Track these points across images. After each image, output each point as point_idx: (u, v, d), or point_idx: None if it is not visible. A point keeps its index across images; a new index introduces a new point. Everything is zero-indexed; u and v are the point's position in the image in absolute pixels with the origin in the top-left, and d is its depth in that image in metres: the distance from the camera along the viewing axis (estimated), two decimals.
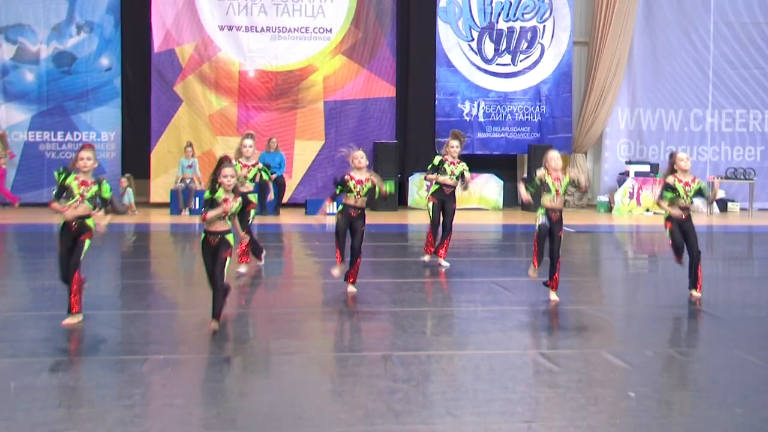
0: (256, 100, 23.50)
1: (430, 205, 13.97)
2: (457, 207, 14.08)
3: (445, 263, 13.72)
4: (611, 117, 24.85)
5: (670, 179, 11.35)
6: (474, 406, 7.05)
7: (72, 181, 9.62)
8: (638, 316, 10.80)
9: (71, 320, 9.52)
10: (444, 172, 13.83)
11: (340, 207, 11.76)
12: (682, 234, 11.30)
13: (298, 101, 23.59)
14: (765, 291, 11.14)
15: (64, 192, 9.66)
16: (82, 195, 9.61)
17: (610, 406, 7.25)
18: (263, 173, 13.34)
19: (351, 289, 11.54)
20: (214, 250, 9.42)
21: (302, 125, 23.68)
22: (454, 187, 13.97)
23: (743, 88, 24.96)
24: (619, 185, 23.96)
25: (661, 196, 11.49)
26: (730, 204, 24.27)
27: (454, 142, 13.88)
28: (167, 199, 21.98)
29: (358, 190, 11.52)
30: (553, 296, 11.09)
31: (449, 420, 6.71)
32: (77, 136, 23.03)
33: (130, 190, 21.89)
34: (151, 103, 23.00)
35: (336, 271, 11.66)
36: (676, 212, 11.18)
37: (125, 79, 23.18)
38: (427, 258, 13.96)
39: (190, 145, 22.25)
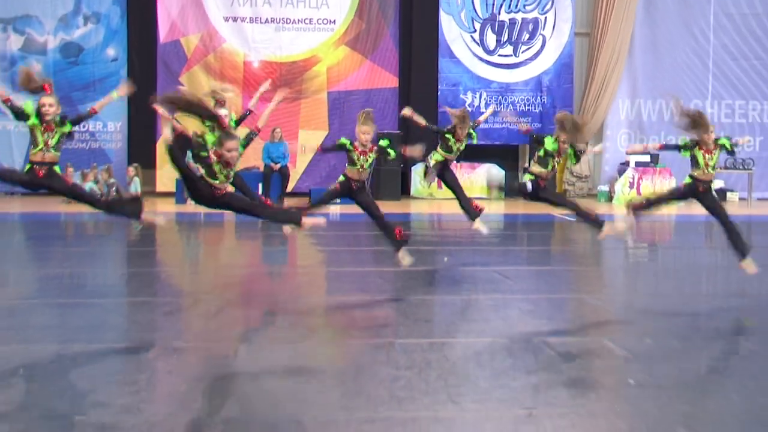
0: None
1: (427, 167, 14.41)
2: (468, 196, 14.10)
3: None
4: (612, 107, 24.87)
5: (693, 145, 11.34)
6: (475, 393, 7.04)
7: (35, 124, 9.57)
8: (638, 304, 10.79)
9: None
10: (449, 150, 14.07)
11: (341, 177, 11.74)
12: (707, 209, 11.29)
13: (302, 92, 23.64)
14: (765, 281, 11.12)
15: (18, 113, 9.65)
16: (46, 142, 9.57)
17: (610, 392, 7.25)
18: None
19: (406, 260, 11.71)
20: (226, 198, 9.63)
21: (306, 115, 23.72)
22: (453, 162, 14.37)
23: (743, 79, 24.99)
24: (620, 175, 23.97)
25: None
26: (729, 194, 24.29)
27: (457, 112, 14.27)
28: (173, 189, 22.00)
29: (361, 162, 11.43)
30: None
31: (451, 407, 6.71)
32: (84, 126, 22.97)
33: (137, 180, 21.95)
34: (157, 94, 22.96)
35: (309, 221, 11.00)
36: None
37: (131, 70, 23.23)
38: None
39: (195, 134, 22.18)
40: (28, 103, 9.82)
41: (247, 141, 9.86)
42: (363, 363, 8.12)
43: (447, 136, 14.28)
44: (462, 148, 14.45)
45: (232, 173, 9.54)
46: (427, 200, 23.49)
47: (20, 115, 9.80)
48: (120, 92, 10.70)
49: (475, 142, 14.60)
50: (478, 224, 13.76)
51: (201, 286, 11.56)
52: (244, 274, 12.15)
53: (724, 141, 11.29)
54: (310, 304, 10.69)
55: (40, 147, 9.48)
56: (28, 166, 9.71)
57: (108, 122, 23.22)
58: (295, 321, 9.77)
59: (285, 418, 6.44)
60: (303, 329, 9.26)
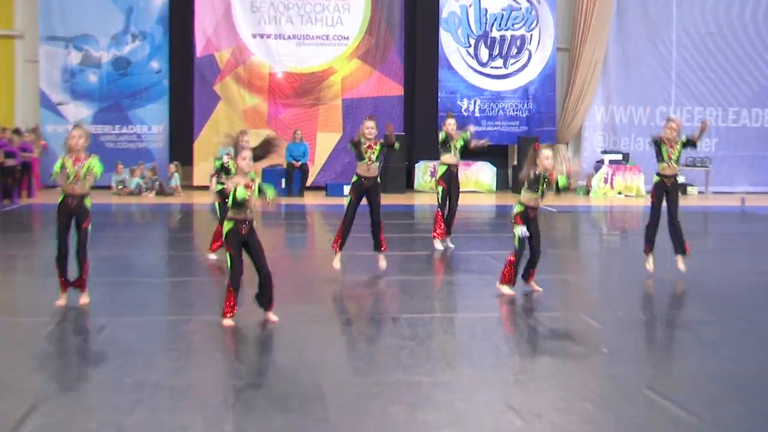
0: (283, 97, 23.51)
1: (440, 189, 13.06)
2: (463, 190, 13.53)
3: (451, 244, 12.98)
4: (589, 112, 24.81)
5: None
6: (470, 360, 7.06)
7: (66, 161, 8.67)
8: (611, 283, 10.79)
9: (85, 299, 8.80)
10: (449, 150, 12.93)
11: (354, 179, 11.07)
12: (666, 202, 10.91)
13: (319, 99, 23.61)
14: (719, 261, 11.14)
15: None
16: (77, 172, 8.64)
17: (585, 359, 7.26)
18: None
19: (382, 262, 10.94)
20: (247, 239, 8.20)
21: (323, 119, 23.70)
22: (458, 167, 13.23)
23: (701, 88, 25.00)
24: (596, 171, 23.95)
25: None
26: (689, 188, 24.23)
27: (450, 120, 13.08)
28: (208, 183, 21.97)
29: (369, 155, 10.92)
30: (535, 286, 9.74)
31: (449, 372, 6.73)
32: (131, 129, 23.15)
33: (177, 175, 21.98)
34: (194, 101, 23.04)
35: (336, 263, 10.75)
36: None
37: (172, 80, 23.24)
38: (441, 245, 12.89)
39: (227, 136, 22.23)
40: (58, 163, 8.78)
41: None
42: (373, 334, 8.14)
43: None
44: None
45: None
46: (428, 193, 23.48)
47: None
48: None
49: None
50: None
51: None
52: (269, 256, 12.13)
53: (684, 138, 11.16)
54: (326, 283, 10.71)
55: (70, 179, 8.62)
56: (60, 198, 8.73)
57: (152, 125, 23.24)
58: (313, 297, 9.79)
59: (306, 381, 6.46)
60: (320, 305, 9.27)
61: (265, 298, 8.20)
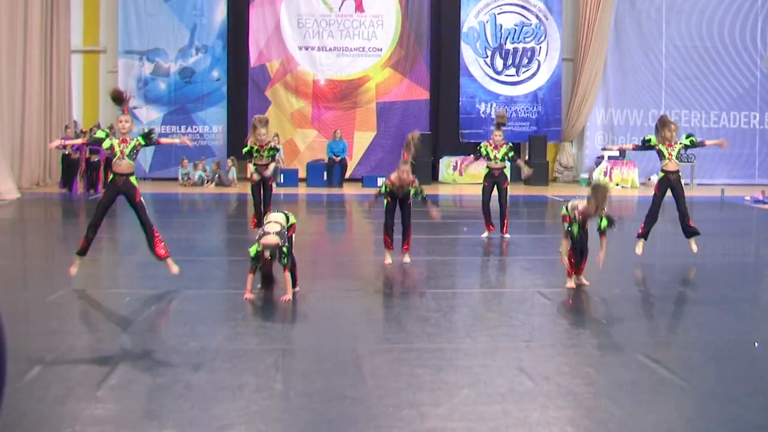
0: (325, 101, 23.57)
1: (482, 187, 12.53)
2: (481, 182, 12.61)
3: (507, 236, 12.27)
4: (591, 115, 24.71)
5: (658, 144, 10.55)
6: (487, 330, 7.05)
7: (114, 141, 8.67)
8: (609, 263, 10.72)
9: (173, 268, 8.79)
10: (489, 158, 12.39)
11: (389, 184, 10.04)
12: (674, 194, 10.57)
13: (356, 102, 23.65)
14: (701, 245, 11.03)
15: (93, 143, 8.84)
16: (122, 152, 8.62)
17: (587, 329, 7.24)
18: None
19: (406, 259, 10.12)
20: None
21: (360, 120, 23.72)
22: (502, 169, 12.48)
23: (686, 94, 24.95)
24: (596, 165, 23.85)
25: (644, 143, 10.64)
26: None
27: (498, 132, 12.42)
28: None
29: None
30: (583, 280, 8.81)
31: (468, 340, 6.72)
32: (195, 129, 23.33)
33: (233, 169, 22.08)
34: (248, 104, 23.15)
35: (388, 260, 10.04)
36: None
37: (230, 87, 23.38)
38: (485, 235, 12.35)
39: (276, 135, 22.32)
40: (99, 132, 9.03)
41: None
42: (402, 307, 8.14)
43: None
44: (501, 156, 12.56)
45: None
46: (451, 184, 23.44)
47: (98, 142, 8.96)
48: (183, 141, 9.67)
49: None
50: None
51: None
52: (312, 239, 12.20)
53: (686, 140, 10.73)
54: (362, 262, 10.72)
55: (117, 156, 8.61)
56: (111, 177, 8.75)
57: (213, 126, 23.35)
58: (351, 274, 9.80)
59: (343, 347, 6.48)
60: (356, 281, 9.28)
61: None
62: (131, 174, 8.77)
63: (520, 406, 5.13)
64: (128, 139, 8.75)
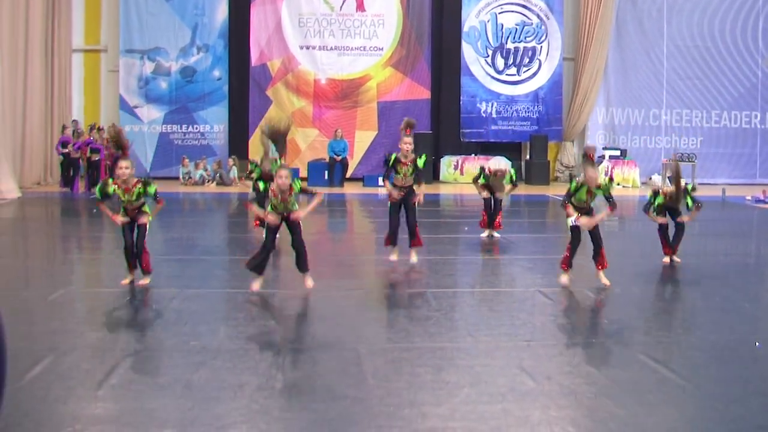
0: (326, 101, 23.55)
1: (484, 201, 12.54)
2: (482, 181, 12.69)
3: (497, 234, 12.38)
4: (591, 114, 24.69)
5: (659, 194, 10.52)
6: (487, 329, 7.04)
7: (118, 190, 8.43)
8: (610, 262, 10.70)
9: (145, 280, 8.63)
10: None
11: (390, 186, 10.07)
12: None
13: (357, 102, 23.63)
14: (703, 244, 11.03)
15: (107, 197, 8.48)
16: (128, 202, 8.49)
17: (588, 328, 7.23)
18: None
19: (413, 257, 10.09)
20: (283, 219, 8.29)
21: (361, 120, 23.71)
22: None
23: (688, 93, 24.94)
24: (597, 165, 23.82)
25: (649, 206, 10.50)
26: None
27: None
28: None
29: (403, 171, 9.92)
30: (603, 279, 8.84)
31: (469, 339, 6.71)
32: (196, 128, 23.34)
33: (234, 168, 22.08)
34: (249, 104, 23.16)
35: (394, 257, 10.10)
36: (661, 220, 10.15)
37: (231, 86, 23.38)
38: (485, 234, 12.41)
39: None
40: (109, 186, 8.46)
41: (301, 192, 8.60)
42: (403, 306, 8.14)
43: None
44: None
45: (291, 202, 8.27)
46: (452, 184, 23.43)
47: (105, 194, 8.47)
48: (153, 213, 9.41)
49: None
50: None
51: (282, 247, 11.60)
52: (314, 238, 12.19)
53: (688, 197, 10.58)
54: (363, 261, 10.71)
55: (124, 203, 8.43)
56: (122, 209, 8.53)
57: (214, 125, 23.35)
58: (352, 274, 9.80)
59: (345, 347, 6.47)
60: (357, 281, 9.28)
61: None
62: (142, 205, 8.71)
63: (521, 405, 5.12)
64: (130, 187, 8.50)
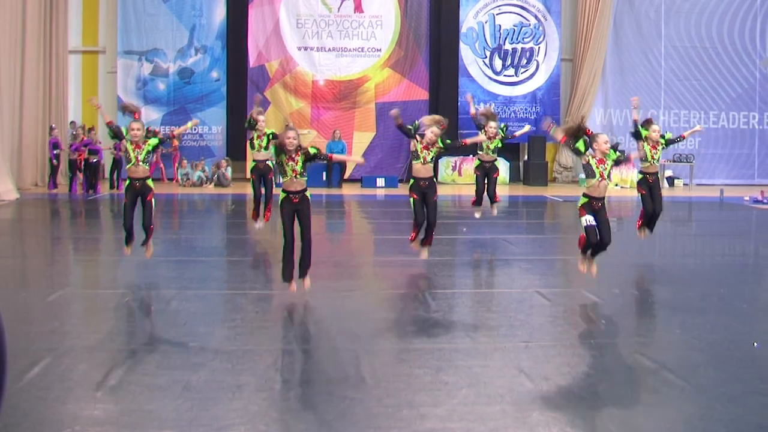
0: (324, 102, 23.54)
1: (476, 176, 12.62)
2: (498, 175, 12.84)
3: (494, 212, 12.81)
4: (590, 115, 24.67)
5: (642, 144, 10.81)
6: (486, 330, 7.05)
7: (129, 146, 9.20)
8: (609, 263, 10.72)
9: (150, 249, 9.40)
10: (482, 149, 12.43)
11: (411, 181, 9.90)
12: (650, 192, 10.81)
13: (356, 103, 23.62)
14: (700, 244, 11.04)
15: (119, 134, 9.31)
16: (137, 158, 9.16)
17: (587, 329, 7.23)
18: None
19: (425, 254, 10.02)
20: (294, 209, 8.09)
21: (359, 121, 23.70)
22: (493, 161, 12.53)
23: (686, 94, 24.97)
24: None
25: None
26: (676, 180, 24.20)
27: (492, 123, 12.31)
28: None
29: (424, 155, 9.69)
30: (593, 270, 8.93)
31: (467, 340, 6.72)
32: (194, 129, 23.21)
33: (229, 168, 22.11)
34: (248, 105, 23.09)
35: (414, 245, 9.98)
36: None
37: (229, 87, 23.35)
38: (477, 215, 12.78)
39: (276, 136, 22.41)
40: (124, 128, 9.39)
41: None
42: (401, 307, 8.14)
43: (479, 133, 12.35)
44: (493, 147, 12.51)
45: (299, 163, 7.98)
46: (450, 185, 23.43)
47: (118, 134, 9.37)
48: (192, 123, 10.31)
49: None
50: (494, 209, 12.81)
51: (280, 249, 11.60)
52: (312, 239, 12.14)
53: (667, 136, 11.13)
54: (362, 262, 10.72)
55: (132, 162, 9.13)
56: (127, 182, 9.24)
57: (212, 126, 23.32)
58: (350, 275, 9.80)
59: (342, 347, 6.48)
60: (356, 281, 9.29)
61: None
62: (147, 178, 9.27)
63: (519, 406, 5.13)
64: (141, 144, 9.20)
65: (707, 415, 5.05)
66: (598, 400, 5.26)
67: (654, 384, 5.60)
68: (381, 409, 5.06)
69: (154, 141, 9.33)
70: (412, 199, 9.77)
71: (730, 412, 5.09)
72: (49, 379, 5.48)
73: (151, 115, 23.08)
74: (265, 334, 6.91)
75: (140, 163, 9.18)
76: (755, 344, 6.62)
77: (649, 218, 10.97)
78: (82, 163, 19.92)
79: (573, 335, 6.98)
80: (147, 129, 9.60)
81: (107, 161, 21.15)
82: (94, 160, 19.83)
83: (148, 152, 9.26)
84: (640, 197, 11.04)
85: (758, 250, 13.02)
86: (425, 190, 9.74)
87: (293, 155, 7.91)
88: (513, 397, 5.27)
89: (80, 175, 19.92)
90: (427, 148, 9.68)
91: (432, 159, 9.75)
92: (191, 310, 7.64)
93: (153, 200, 9.30)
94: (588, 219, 8.54)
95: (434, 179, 9.93)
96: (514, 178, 23.97)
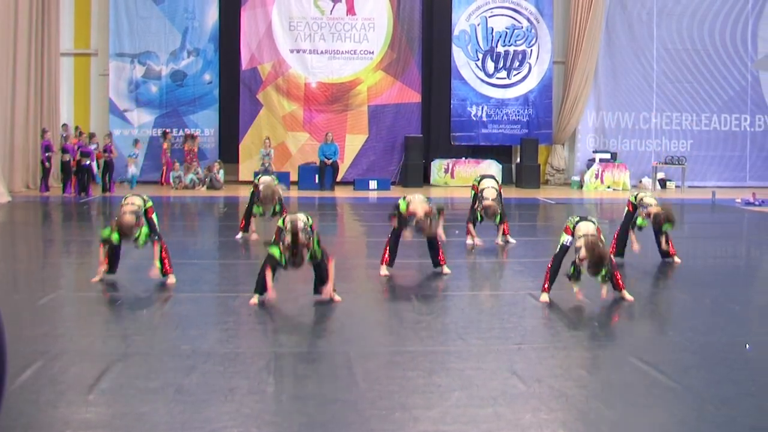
0: (317, 104, 23.53)
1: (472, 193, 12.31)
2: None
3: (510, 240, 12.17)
4: (582, 117, 24.72)
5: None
6: (478, 333, 7.05)
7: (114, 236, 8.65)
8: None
9: (171, 279, 8.89)
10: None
11: (399, 214, 9.68)
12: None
13: (348, 105, 23.62)
14: (692, 246, 11.07)
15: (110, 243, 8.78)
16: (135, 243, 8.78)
17: (579, 331, 7.24)
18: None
19: (446, 270, 9.74)
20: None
21: (351, 123, 23.70)
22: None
23: (678, 97, 25.02)
24: (588, 168, 23.90)
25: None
26: (668, 182, 24.29)
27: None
28: (251, 178, 22.07)
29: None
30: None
31: (460, 343, 6.72)
32: (187, 132, 23.20)
33: (221, 171, 22.09)
34: (240, 107, 23.12)
35: (383, 271, 9.57)
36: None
37: (221, 90, 23.35)
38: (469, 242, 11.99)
39: (267, 138, 22.41)
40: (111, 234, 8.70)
41: None
42: (394, 310, 8.13)
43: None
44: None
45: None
46: (443, 187, 23.44)
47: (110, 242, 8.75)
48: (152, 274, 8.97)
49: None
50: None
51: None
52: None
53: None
54: (354, 265, 10.71)
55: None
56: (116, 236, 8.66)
57: (204, 128, 23.28)
58: (343, 277, 9.78)
59: (335, 350, 6.47)
60: (348, 284, 9.28)
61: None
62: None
63: (512, 408, 5.13)
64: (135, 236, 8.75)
65: (700, 417, 5.06)
66: (590, 402, 5.27)
67: (646, 386, 5.61)
68: (374, 411, 5.05)
69: (145, 230, 8.81)
70: (393, 228, 9.64)
71: (723, 414, 5.10)
72: (40, 383, 5.46)
73: (143, 117, 23.07)
74: (258, 336, 6.90)
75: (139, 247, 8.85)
76: (747, 346, 6.64)
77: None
78: (75, 165, 19.87)
79: (566, 337, 6.99)
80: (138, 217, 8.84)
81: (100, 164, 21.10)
82: (87, 163, 19.78)
83: (145, 241, 8.82)
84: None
85: (750, 252, 13.06)
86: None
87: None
88: (506, 400, 5.27)
89: (74, 178, 19.88)
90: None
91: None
92: (183, 313, 7.63)
93: (154, 217, 9.03)
94: (568, 239, 8.38)
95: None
96: (506, 180, 23.96)
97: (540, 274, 9.70)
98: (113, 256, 8.95)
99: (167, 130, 22.73)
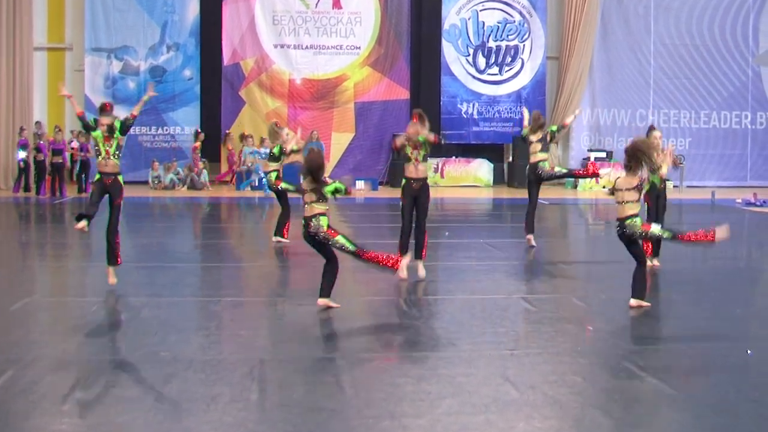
0: (302, 101, 23.54)
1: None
2: (463, 184, 12.50)
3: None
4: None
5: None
6: (469, 338, 7.05)
7: (98, 136, 9.06)
8: (596, 268, 10.76)
9: (114, 277, 8.83)
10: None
11: (403, 182, 9.83)
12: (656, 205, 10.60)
13: (334, 102, 23.64)
14: (691, 248, 11.08)
15: (86, 124, 9.38)
16: (107, 151, 8.97)
17: (573, 337, 7.25)
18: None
19: (421, 271, 9.68)
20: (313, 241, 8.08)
21: (338, 121, 23.72)
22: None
23: (676, 93, 25.10)
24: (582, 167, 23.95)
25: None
26: (666, 182, 24.32)
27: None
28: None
29: (414, 156, 9.61)
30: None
31: (451, 348, 6.72)
32: (166, 130, 23.22)
33: (205, 171, 22.05)
34: (222, 104, 23.10)
35: (403, 272, 8.84)
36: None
37: (203, 86, 23.31)
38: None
39: (250, 136, 22.39)
40: (93, 119, 9.29)
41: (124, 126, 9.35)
42: (382, 314, 8.13)
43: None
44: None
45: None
46: (433, 187, 23.37)
47: (89, 126, 9.32)
48: (149, 94, 10.36)
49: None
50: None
51: (256, 255, 11.58)
52: (289, 244, 12.14)
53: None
54: (341, 268, 10.69)
55: (102, 155, 8.92)
56: (98, 176, 8.97)
57: (185, 126, 23.22)
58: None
59: (321, 357, 6.47)
60: (335, 288, 9.26)
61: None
62: (118, 173, 9.02)
63: (504, 416, 5.14)
64: (110, 138, 9.00)
65: (698, 424, 5.08)
66: (585, 409, 5.28)
67: (643, 392, 5.62)
68: (361, 420, 5.05)
69: (119, 131, 9.14)
70: (401, 204, 9.72)
71: (722, 421, 5.12)
72: (12, 392, 5.43)
73: (120, 114, 22.67)
74: (241, 342, 6.89)
75: (111, 157, 8.95)
76: (749, 352, 6.65)
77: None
78: (50, 165, 19.79)
79: (559, 342, 7.00)
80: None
81: (75, 162, 21.00)
82: (59, 161, 19.71)
83: (119, 145, 9.07)
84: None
85: (751, 253, 13.12)
86: (417, 193, 9.70)
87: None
88: (498, 407, 5.28)
89: (48, 178, 19.80)
90: (416, 147, 9.57)
91: (424, 158, 9.66)
92: (163, 318, 7.60)
93: (121, 205, 8.98)
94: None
95: (427, 181, 9.84)
96: (497, 179, 24.03)
97: (532, 276, 9.74)
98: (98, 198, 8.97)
99: (198, 130, 22.71)
